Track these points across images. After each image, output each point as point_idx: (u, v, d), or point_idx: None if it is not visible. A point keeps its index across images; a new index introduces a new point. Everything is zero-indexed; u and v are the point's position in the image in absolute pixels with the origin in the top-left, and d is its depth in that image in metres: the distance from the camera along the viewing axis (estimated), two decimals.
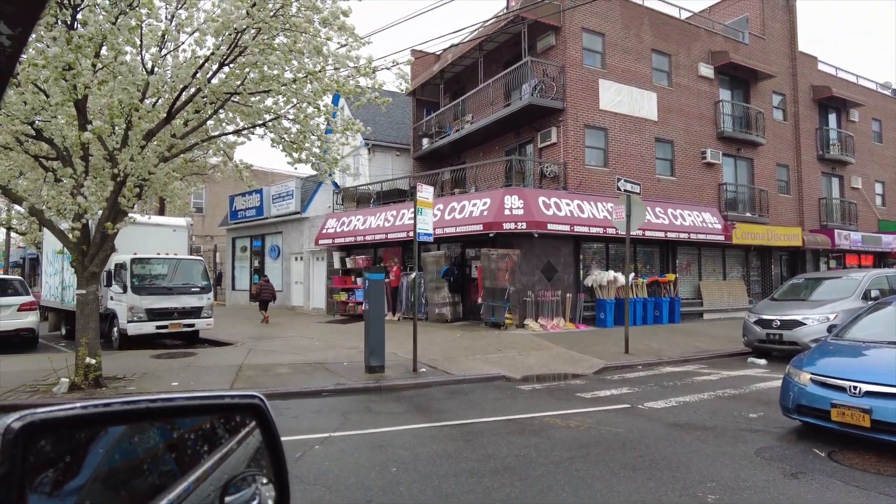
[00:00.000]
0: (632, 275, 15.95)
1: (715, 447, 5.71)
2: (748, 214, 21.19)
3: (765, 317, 12.06)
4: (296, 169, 11.18)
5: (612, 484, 4.69)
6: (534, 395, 8.45)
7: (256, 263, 26.29)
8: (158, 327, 13.20)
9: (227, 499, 1.15)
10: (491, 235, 15.19)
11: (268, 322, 18.26)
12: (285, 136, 9.27)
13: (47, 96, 7.47)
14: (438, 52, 22.58)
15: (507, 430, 6.36)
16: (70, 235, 8.68)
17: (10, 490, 0.76)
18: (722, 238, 19.25)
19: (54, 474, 0.89)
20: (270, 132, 9.24)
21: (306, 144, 9.38)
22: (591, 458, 5.34)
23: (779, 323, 11.68)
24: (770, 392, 8.30)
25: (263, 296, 18.92)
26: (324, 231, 20.65)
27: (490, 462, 5.20)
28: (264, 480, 1.23)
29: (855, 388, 5.53)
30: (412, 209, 17.08)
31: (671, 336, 14.68)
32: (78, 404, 0.93)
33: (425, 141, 22.44)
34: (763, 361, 11.47)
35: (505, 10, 19.04)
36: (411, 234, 16.40)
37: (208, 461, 1.19)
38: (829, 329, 10.07)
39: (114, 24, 7.03)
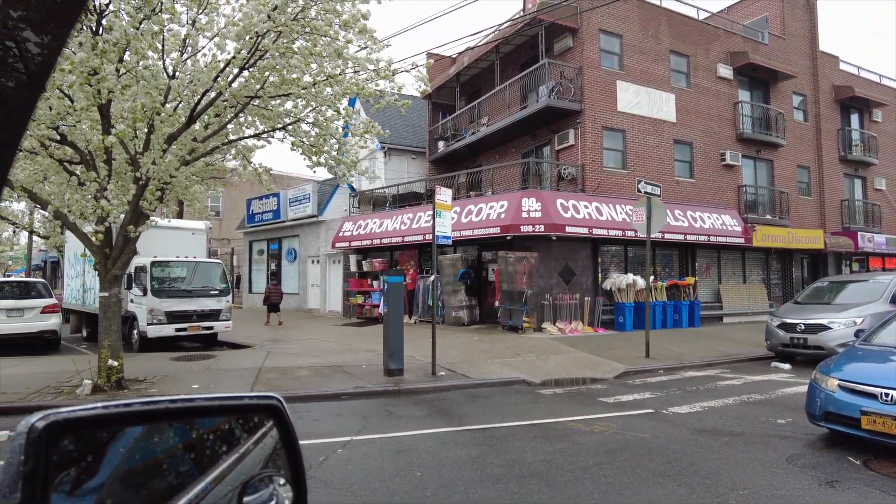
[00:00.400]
0: (651, 278, 15.78)
1: (744, 454, 5.59)
2: (768, 217, 20.89)
3: (788, 321, 11.84)
4: (314, 172, 11.20)
5: (641, 491, 4.60)
6: (555, 400, 8.36)
7: (273, 266, 26.44)
8: (178, 330, 13.28)
9: (246, 499, 1.15)
10: (508, 238, 15.12)
11: (269, 324, 18.71)
12: (305, 139, 9.30)
13: (72, 101, 7.56)
14: (454, 56, 22.59)
15: (530, 436, 6.28)
16: (93, 238, 8.78)
17: (33, 488, 0.77)
18: (742, 241, 19.00)
19: (76, 473, 0.89)
20: (291, 136, 9.27)
21: (325, 148, 9.41)
22: (618, 464, 5.25)
23: (803, 327, 11.45)
24: (797, 397, 8.13)
25: (272, 299, 19.30)
26: (340, 234, 20.70)
27: (516, 468, 5.13)
28: (282, 481, 1.23)
29: (887, 395, 5.37)
30: (429, 212, 17.09)
31: (692, 340, 14.49)
32: (99, 404, 0.93)
33: (441, 144, 22.43)
34: (787, 366, 11.26)
35: (521, 13, 18.99)
36: (428, 236, 16.43)
37: (226, 461, 1.19)
38: (857, 333, 9.89)
39: (137, 28, 7.09)
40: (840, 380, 5.90)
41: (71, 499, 0.87)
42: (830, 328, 11.06)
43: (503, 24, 19.21)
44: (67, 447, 0.86)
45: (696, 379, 10.14)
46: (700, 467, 5.15)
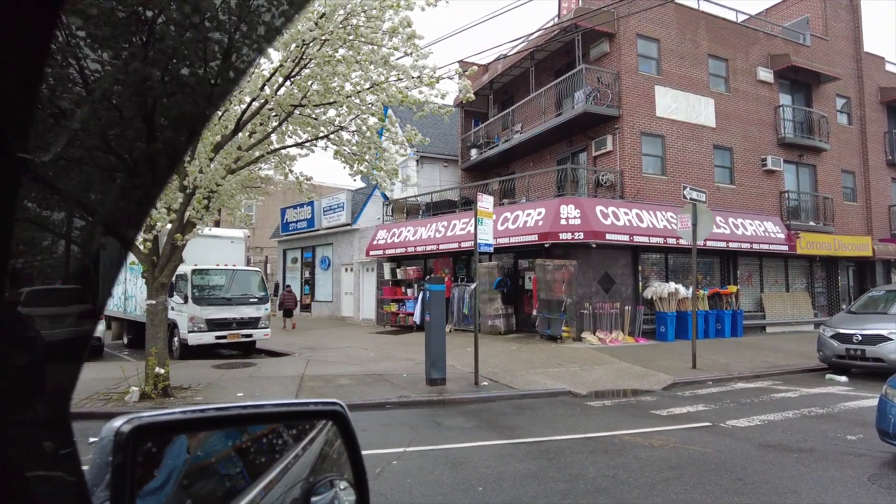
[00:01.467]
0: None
1: (819, 471, 5.30)
2: (812, 223, 20.22)
3: (843, 331, 11.34)
4: (355, 181, 11.19)
5: None
6: (605, 412, 8.11)
7: (307, 274, 26.62)
8: (218, 337, 13.37)
9: (313, 499, 1.21)
10: (546, 246, 14.90)
11: (294, 328, 19.16)
12: (346, 147, 9.29)
13: (120, 112, 7.64)
14: (486, 64, 22.51)
15: (587, 449, 6.07)
16: (142, 247, 8.87)
17: (122, 487, 0.83)
18: (785, 248, 18.42)
19: (154, 474, 0.95)
20: (333, 144, 9.27)
21: (367, 156, 9.39)
22: (685, 480, 5.01)
23: (860, 338, 10.95)
24: (862, 412, 7.76)
25: (287, 305, 19.43)
26: (374, 242, 20.73)
27: (580, 483, 4.93)
28: (343, 485, 1.27)
29: None
30: (464, 219, 17.01)
31: (737, 350, 14.04)
32: (177, 410, 0.99)
33: (473, 152, 22.34)
34: (844, 378, 10.79)
35: (556, 20, 18.83)
36: (463, 244, 16.31)
37: (284, 462, 1.25)
38: None
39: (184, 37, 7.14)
40: None
41: (143, 500, 0.91)
42: (891, 339, 10.54)
43: (535, 32, 19.08)
44: (150, 449, 0.93)
45: (747, 391, 9.77)
46: (775, 485, 4.88)
